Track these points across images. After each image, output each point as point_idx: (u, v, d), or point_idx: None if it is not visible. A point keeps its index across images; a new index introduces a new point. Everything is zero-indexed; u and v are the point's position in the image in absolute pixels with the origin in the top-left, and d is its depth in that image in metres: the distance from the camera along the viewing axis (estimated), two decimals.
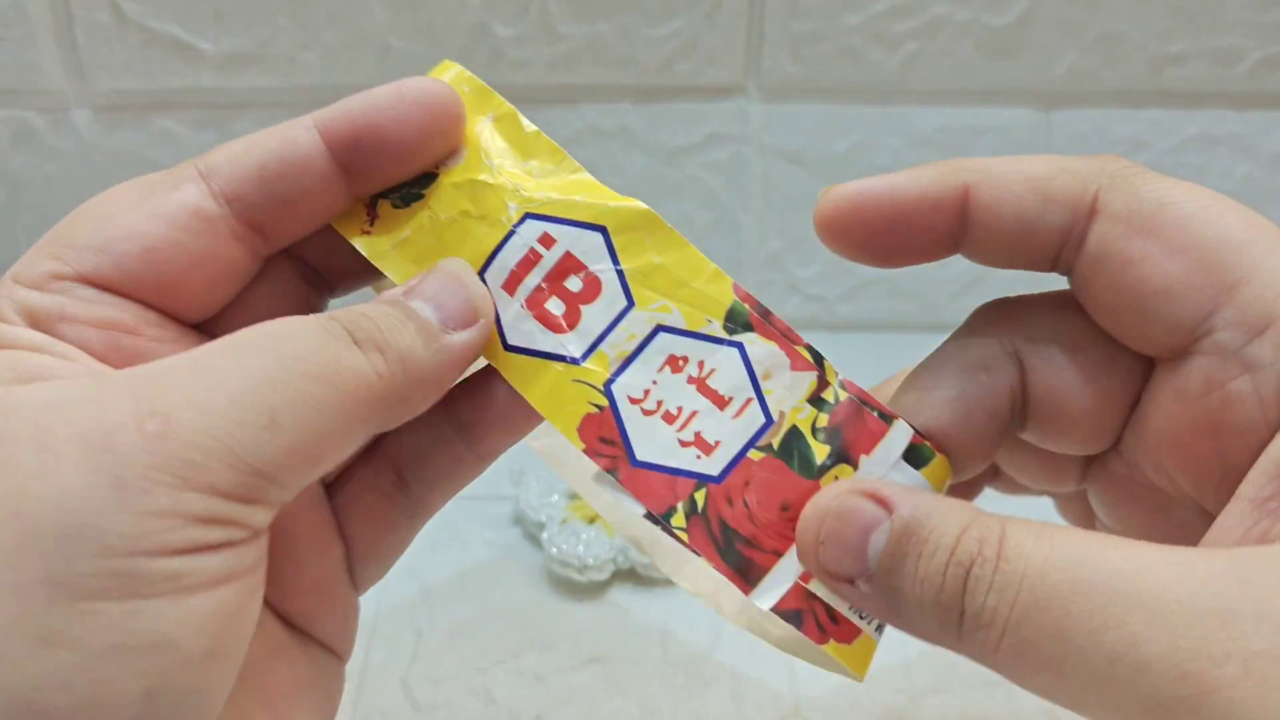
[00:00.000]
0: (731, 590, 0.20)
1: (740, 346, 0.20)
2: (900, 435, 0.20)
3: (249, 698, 0.20)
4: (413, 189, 0.22)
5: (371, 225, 0.22)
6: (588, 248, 0.21)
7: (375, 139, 0.20)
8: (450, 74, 0.22)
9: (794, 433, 0.20)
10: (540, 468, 0.40)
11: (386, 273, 0.21)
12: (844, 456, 0.20)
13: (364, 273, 0.23)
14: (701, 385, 0.20)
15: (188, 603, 0.16)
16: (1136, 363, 0.20)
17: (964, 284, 0.49)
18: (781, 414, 0.20)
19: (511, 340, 0.21)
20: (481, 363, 0.22)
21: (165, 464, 0.15)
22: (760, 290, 0.49)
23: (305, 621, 0.22)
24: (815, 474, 0.20)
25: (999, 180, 0.20)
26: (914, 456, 0.20)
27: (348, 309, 0.19)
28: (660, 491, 0.20)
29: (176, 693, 0.16)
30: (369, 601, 0.36)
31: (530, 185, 0.21)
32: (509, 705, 0.32)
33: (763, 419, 0.20)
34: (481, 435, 0.23)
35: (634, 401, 0.20)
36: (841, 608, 0.20)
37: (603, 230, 0.21)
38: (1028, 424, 0.21)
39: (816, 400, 0.20)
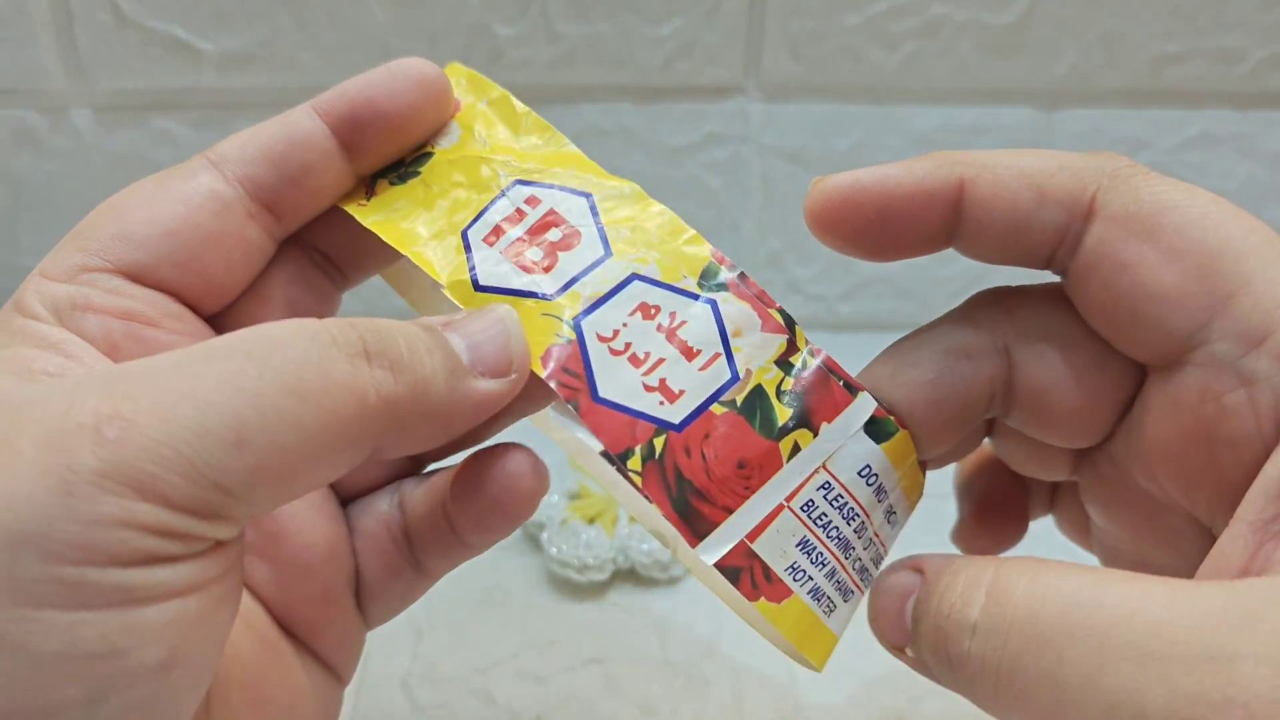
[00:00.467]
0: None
1: (713, 303, 0.20)
2: (863, 407, 0.20)
3: (242, 705, 0.20)
4: (410, 168, 0.23)
5: (368, 200, 0.22)
6: (571, 208, 0.21)
7: (371, 113, 0.21)
8: (445, 68, 0.23)
9: (758, 392, 0.20)
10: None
11: (376, 232, 0.22)
12: (805, 421, 0.20)
13: (377, 260, 0.24)
14: (671, 334, 0.20)
15: (140, 613, 0.15)
16: (1129, 366, 0.20)
17: (964, 283, 0.49)
18: (748, 371, 0.20)
19: (484, 281, 0.21)
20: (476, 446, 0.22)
21: (117, 471, 0.14)
22: None
23: (308, 631, 0.22)
24: (775, 435, 0.20)
25: (996, 175, 0.19)
26: (876, 430, 0.21)
27: (375, 320, 0.18)
28: (619, 432, 0.19)
29: (126, 700, 0.15)
30: None
31: (522, 157, 0.22)
32: (509, 705, 0.32)
33: (729, 374, 0.20)
34: (474, 531, 0.22)
35: (602, 339, 0.20)
36: (779, 570, 0.20)
37: (588, 196, 0.21)
38: (1013, 414, 0.21)
39: (784, 363, 0.20)
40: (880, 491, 0.21)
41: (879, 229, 0.20)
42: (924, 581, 0.19)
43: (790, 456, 0.20)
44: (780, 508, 0.20)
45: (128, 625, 0.15)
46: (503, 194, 0.21)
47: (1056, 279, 0.21)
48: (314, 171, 0.21)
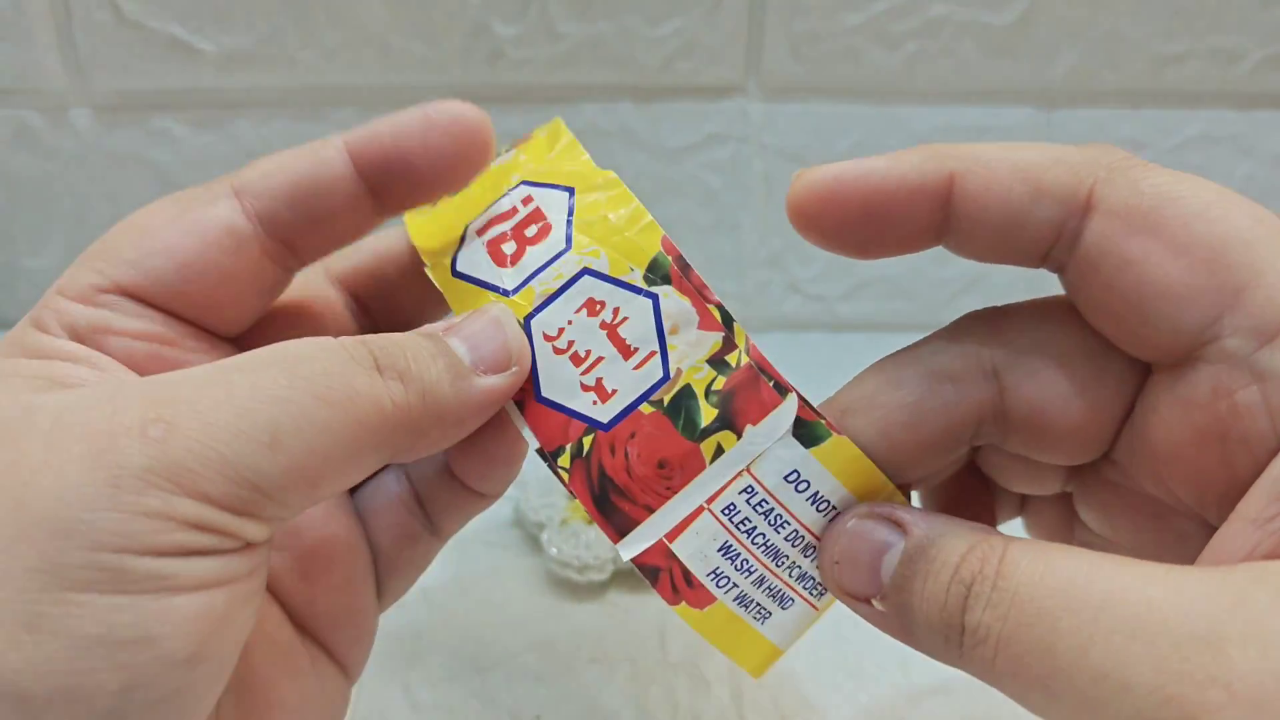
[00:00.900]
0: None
1: (655, 298, 0.20)
2: (789, 409, 0.20)
3: (249, 702, 0.20)
4: None
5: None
6: (553, 202, 0.22)
7: (403, 166, 0.21)
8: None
9: (686, 391, 0.20)
10: (540, 469, 0.40)
11: (407, 225, 0.23)
12: (729, 423, 0.20)
13: (390, 309, 0.25)
14: (612, 332, 0.20)
15: (171, 602, 0.16)
16: (1129, 372, 0.19)
17: (964, 284, 0.49)
18: (679, 371, 0.20)
19: (460, 267, 0.22)
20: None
21: (161, 468, 0.16)
22: (760, 290, 0.49)
23: (324, 624, 0.23)
24: (697, 436, 0.20)
25: (988, 169, 0.18)
26: (805, 434, 0.20)
27: (382, 335, 0.19)
28: (554, 430, 0.20)
29: (155, 690, 0.16)
30: None
31: (534, 164, 0.23)
32: (509, 705, 0.32)
33: (660, 373, 0.20)
34: (467, 476, 0.23)
35: (548, 339, 0.21)
36: (700, 575, 0.20)
37: (571, 190, 0.22)
38: (1010, 438, 0.20)
39: (718, 362, 0.20)
40: (818, 501, 0.20)
41: (863, 225, 0.19)
42: (911, 540, 0.18)
43: (713, 458, 0.20)
44: (700, 509, 0.20)
45: (161, 613, 0.16)
46: (507, 193, 0.22)
47: (1050, 285, 0.20)
48: (336, 215, 0.21)
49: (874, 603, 0.19)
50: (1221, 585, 0.15)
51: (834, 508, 0.20)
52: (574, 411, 0.20)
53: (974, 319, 0.21)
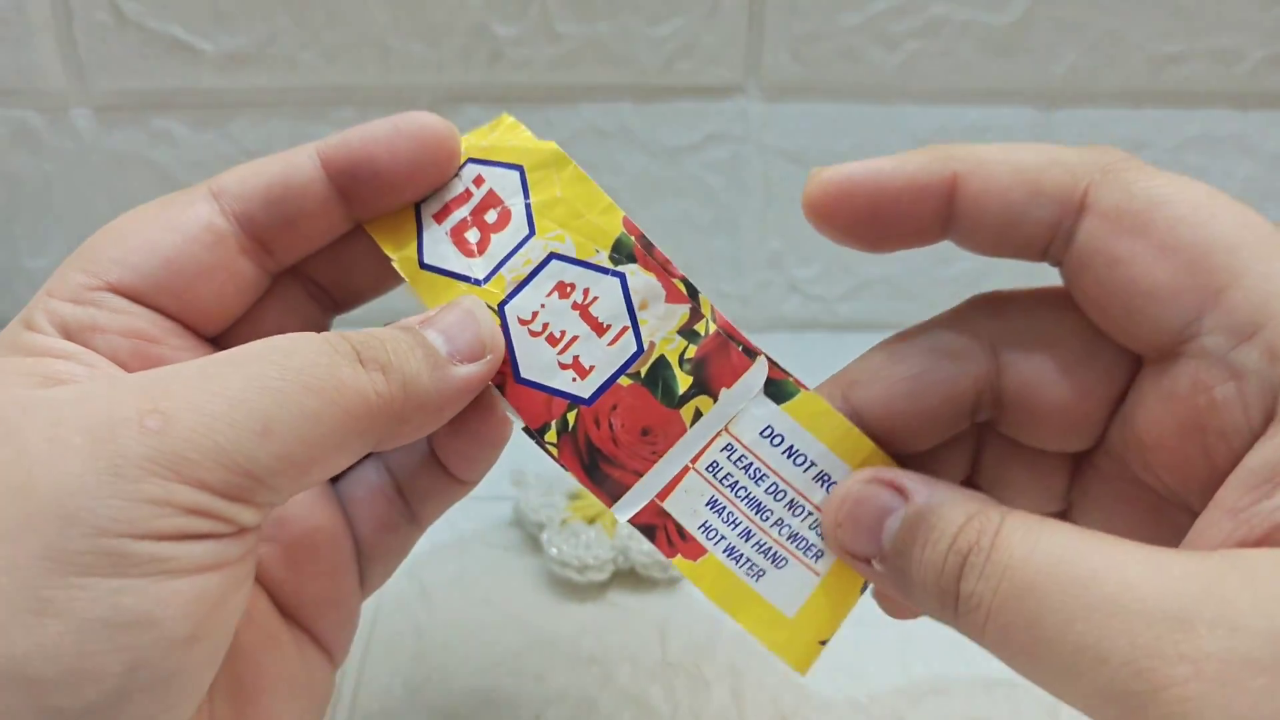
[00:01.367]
0: None
1: (622, 277, 0.22)
2: (759, 371, 0.22)
3: (235, 685, 0.21)
4: None
5: None
6: (506, 184, 0.23)
7: (370, 171, 0.22)
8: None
9: (661, 362, 0.22)
10: (540, 468, 0.40)
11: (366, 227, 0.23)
12: (705, 388, 0.22)
13: (371, 292, 0.25)
14: (584, 312, 0.22)
15: (171, 584, 0.17)
16: (1122, 359, 0.20)
17: (965, 283, 0.49)
18: (652, 344, 0.22)
19: (427, 259, 0.23)
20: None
21: (160, 457, 0.16)
22: (760, 290, 0.49)
23: (310, 611, 0.24)
24: (676, 403, 0.22)
25: (988, 171, 0.19)
26: (775, 392, 0.22)
27: (361, 330, 0.20)
28: (538, 409, 0.22)
29: (157, 670, 0.17)
30: (369, 602, 0.36)
31: (477, 141, 0.24)
32: (509, 705, 0.32)
33: (635, 347, 0.22)
34: (451, 461, 0.24)
35: (523, 323, 0.22)
36: (691, 529, 0.22)
37: (520, 169, 0.23)
38: (1005, 417, 0.21)
39: (688, 332, 0.22)
40: (794, 454, 0.22)
41: (871, 222, 0.20)
42: (913, 506, 0.20)
43: (693, 422, 0.22)
44: (686, 469, 0.22)
45: (161, 595, 0.16)
46: (457, 174, 0.23)
47: (1054, 275, 0.21)
48: (308, 217, 0.22)
49: (874, 564, 0.20)
50: (1197, 569, 0.16)
51: (812, 462, 0.22)
52: (555, 390, 0.22)
53: (976, 303, 0.22)
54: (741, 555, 0.22)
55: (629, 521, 0.22)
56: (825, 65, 0.44)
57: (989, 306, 0.22)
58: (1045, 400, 0.21)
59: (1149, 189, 0.18)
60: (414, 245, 0.23)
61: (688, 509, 0.22)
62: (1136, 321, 0.19)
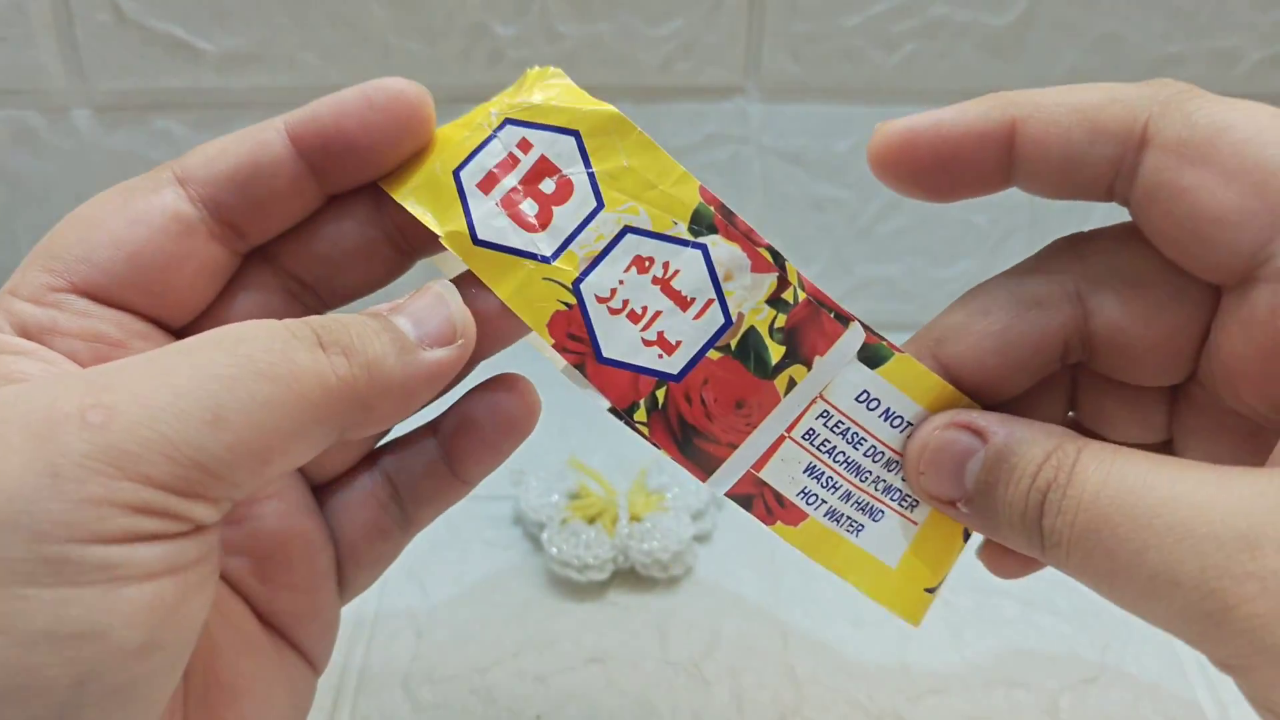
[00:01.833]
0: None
1: (704, 248, 0.21)
2: (854, 337, 0.21)
3: (211, 687, 0.20)
4: None
5: None
6: (562, 151, 0.21)
7: (342, 144, 0.21)
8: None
9: (751, 333, 0.21)
10: (540, 468, 0.40)
11: (382, 186, 0.22)
12: (799, 357, 0.21)
13: (363, 288, 0.24)
14: (666, 286, 0.21)
15: (121, 593, 0.16)
16: (1204, 292, 0.20)
17: (965, 284, 0.49)
18: (740, 315, 0.21)
19: (482, 235, 0.21)
20: (465, 385, 0.23)
21: (101, 453, 0.15)
22: None
23: (286, 621, 0.23)
24: (770, 374, 0.21)
25: (1046, 113, 0.20)
26: (869, 357, 0.21)
27: (326, 315, 0.19)
28: (624, 388, 0.21)
29: (109, 682, 0.16)
30: (369, 601, 0.36)
31: (513, 98, 0.22)
32: (509, 705, 0.32)
33: (722, 320, 0.21)
34: (463, 461, 0.24)
35: (601, 300, 0.21)
36: (790, 496, 0.22)
37: (576, 134, 0.21)
38: (1097, 358, 0.21)
39: (776, 301, 0.21)
40: (891, 416, 0.22)
41: (935, 171, 0.21)
42: (992, 447, 0.20)
43: (787, 391, 0.21)
44: (782, 439, 0.21)
45: (110, 604, 0.15)
46: (494, 135, 0.22)
47: (1125, 218, 0.21)
48: (279, 197, 0.21)
49: (959, 506, 0.20)
50: (1266, 487, 0.16)
51: (908, 422, 0.22)
52: (641, 367, 0.21)
53: (1057, 247, 0.22)
54: (842, 515, 0.22)
55: (726, 494, 0.21)
56: (825, 65, 0.44)
57: (1071, 250, 0.22)
58: (1135, 340, 0.21)
59: (1211, 116, 0.18)
60: (461, 219, 0.21)
61: (785, 477, 0.22)
62: (1209, 250, 0.19)
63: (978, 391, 0.22)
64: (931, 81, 0.45)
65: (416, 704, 0.32)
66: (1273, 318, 0.18)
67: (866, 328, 0.21)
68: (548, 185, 0.21)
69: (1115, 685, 0.33)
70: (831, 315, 0.21)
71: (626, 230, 0.21)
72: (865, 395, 0.21)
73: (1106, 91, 0.19)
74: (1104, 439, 0.20)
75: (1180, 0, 0.43)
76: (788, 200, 0.47)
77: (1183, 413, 0.22)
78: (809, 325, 0.21)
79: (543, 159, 0.21)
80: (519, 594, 0.36)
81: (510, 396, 0.23)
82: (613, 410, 0.21)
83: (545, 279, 0.21)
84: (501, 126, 0.22)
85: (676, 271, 0.21)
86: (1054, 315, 0.21)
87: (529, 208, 0.21)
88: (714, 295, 0.21)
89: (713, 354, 0.21)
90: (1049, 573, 0.20)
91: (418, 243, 0.23)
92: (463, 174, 0.21)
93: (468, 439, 0.24)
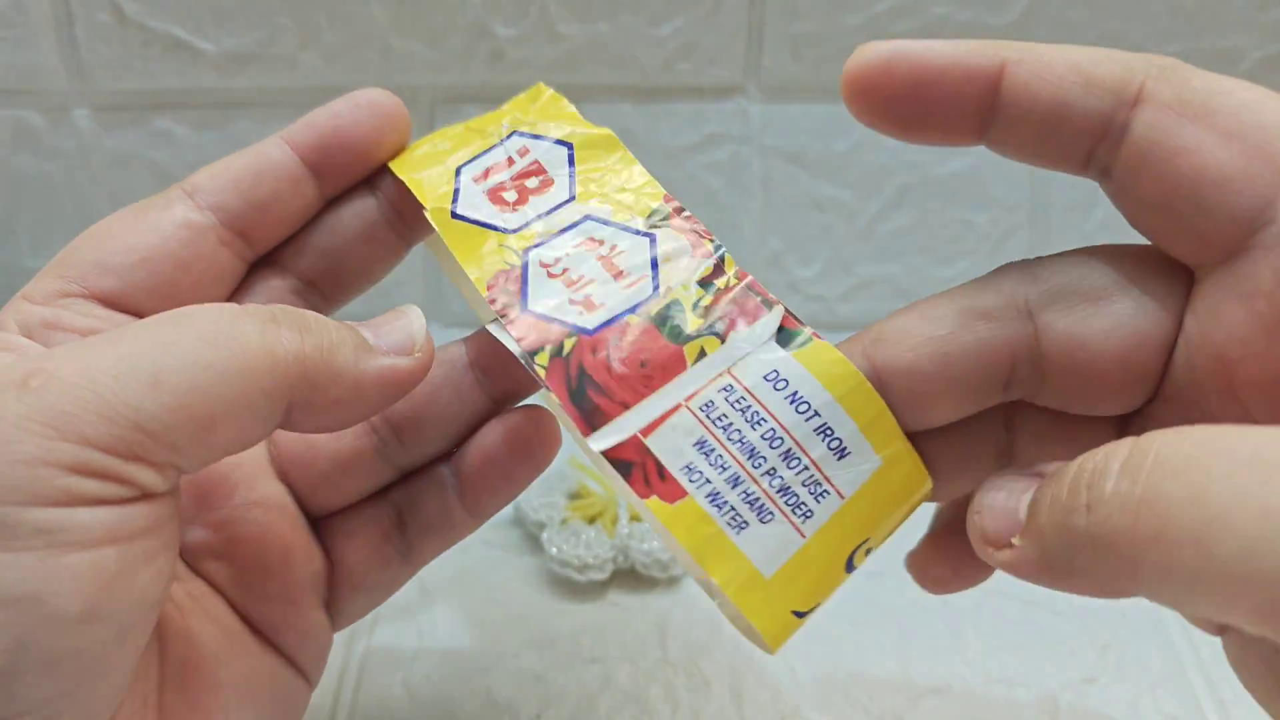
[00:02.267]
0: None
1: (652, 237, 0.22)
2: (773, 318, 0.21)
3: (196, 687, 0.20)
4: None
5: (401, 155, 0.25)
6: (553, 158, 0.24)
7: (338, 141, 0.24)
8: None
9: (674, 304, 0.21)
10: None
11: (391, 168, 0.24)
12: (714, 330, 0.21)
13: (357, 282, 0.25)
14: (607, 262, 0.22)
15: (60, 559, 0.15)
16: (1168, 300, 0.19)
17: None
18: (668, 288, 0.22)
19: (459, 210, 0.23)
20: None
21: (37, 414, 0.15)
22: None
23: (268, 629, 0.23)
24: (682, 340, 0.21)
25: (1041, 58, 0.19)
26: (786, 338, 0.21)
27: (289, 308, 0.20)
28: (536, 335, 0.21)
29: (47, 651, 0.15)
30: None
31: (522, 114, 0.25)
32: (509, 705, 0.32)
33: (650, 290, 0.22)
34: (476, 491, 0.24)
35: (543, 265, 0.22)
36: (673, 469, 0.20)
37: (569, 146, 0.24)
38: (1047, 384, 0.20)
39: (706, 283, 0.22)
40: (797, 401, 0.20)
41: (909, 100, 0.19)
42: (1048, 470, 0.18)
43: (695, 360, 0.21)
44: (678, 406, 0.20)
45: (47, 570, 0.15)
46: (501, 143, 0.24)
47: (1124, 228, 0.20)
48: (282, 198, 0.23)
49: (1014, 541, 0.17)
50: None
51: (815, 412, 0.20)
52: (559, 320, 0.21)
53: (1008, 268, 0.21)
54: (725, 503, 0.20)
55: (604, 453, 0.20)
56: (825, 65, 0.44)
57: (1022, 270, 0.20)
58: (1093, 356, 0.19)
59: (1208, 82, 0.18)
60: (449, 198, 0.23)
61: (672, 447, 0.20)
62: (1205, 213, 0.18)
63: (906, 404, 0.20)
64: None
65: (416, 703, 0.32)
66: (1275, 287, 0.17)
67: (790, 314, 0.21)
68: (532, 181, 0.23)
69: (1115, 685, 0.33)
70: (758, 299, 0.22)
71: (588, 217, 0.23)
72: (774, 375, 0.21)
73: (1104, 51, 0.19)
74: None
75: (1180, 0, 0.43)
76: (788, 200, 0.47)
77: None
78: (733, 304, 0.21)
79: (535, 163, 0.24)
80: (519, 594, 0.36)
81: (529, 426, 0.24)
82: (521, 357, 0.21)
83: (502, 245, 0.23)
84: (509, 136, 0.24)
85: (621, 252, 0.22)
86: (1002, 329, 0.20)
87: (510, 195, 0.23)
88: (649, 273, 0.22)
89: (631, 318, 0.21)
90: None
91: (412, 220, 0.25)
92: (463, 168, 0.24)
93: (484, 468, 0.24)
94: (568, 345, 0.21)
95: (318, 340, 0.19)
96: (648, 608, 0.36)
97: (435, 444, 0.24)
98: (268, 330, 0.18)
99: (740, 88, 0.45)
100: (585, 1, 0.42)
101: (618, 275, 0.22)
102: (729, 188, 0.46)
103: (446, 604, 0.36)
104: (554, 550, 0.36)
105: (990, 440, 0.22)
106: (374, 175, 0.25)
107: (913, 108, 0.19)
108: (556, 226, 0.23)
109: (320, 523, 0.25)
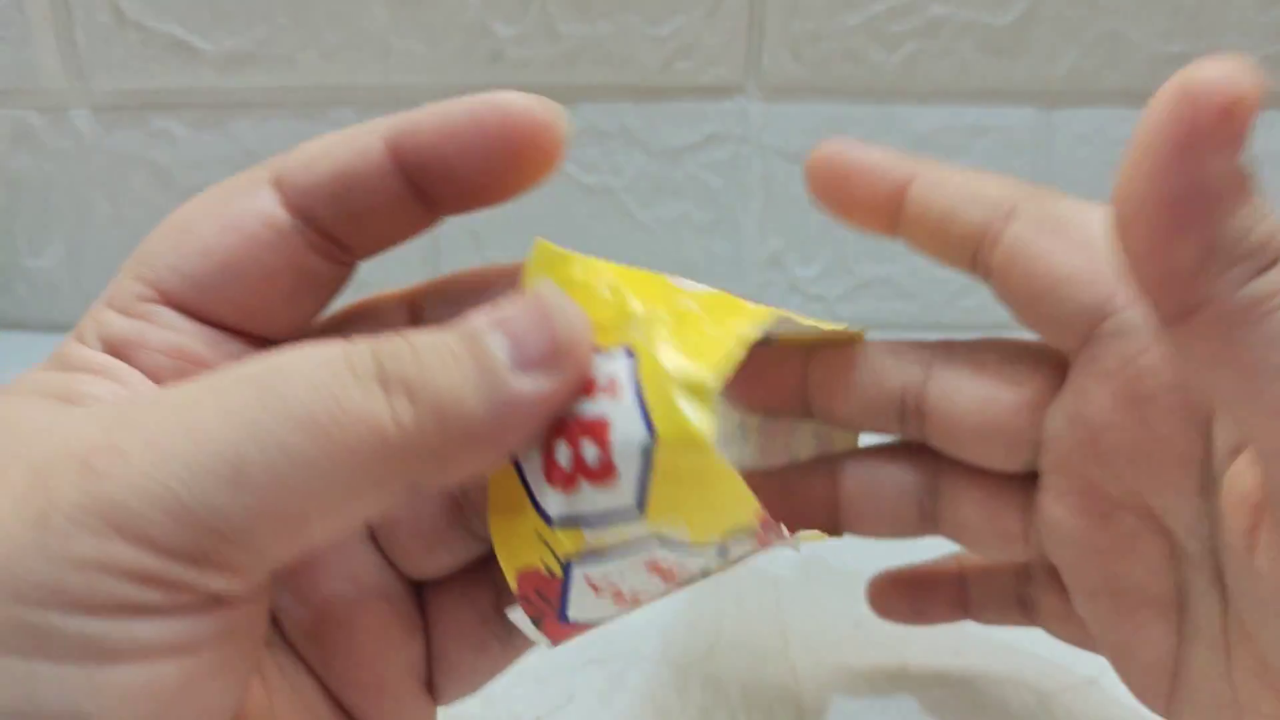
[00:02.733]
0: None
1: (725, 550, 0.18)
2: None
3: None
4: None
5: None
6: (624, 439, 0.16)
7: (442, 170, 0.18)
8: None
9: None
10: None
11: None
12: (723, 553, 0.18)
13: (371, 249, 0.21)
14: (665, 575, 0.18)
15: (108, 673, 0.13)
16: (1035, 380, 0.22)
17: (965, 284, 0.49)
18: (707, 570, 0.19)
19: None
20: None
21: (96, 505, 0.13)
22: (760, 290, 0.49)
23: (352, 698, 0.20)
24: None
25: (942, 175, 0.23)
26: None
27: (399, 335, 0.16)
28: (565, 634, 0.20)
29: None
30: None
31: (643, 324, 0.17)
32: (509, 705, 0.32)
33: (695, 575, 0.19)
34: None
35: (590, 584, 0.18)
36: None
37: (651, 431, 0.16)
38: (928, 425, 0.23)
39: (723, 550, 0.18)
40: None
41: (842, 190, 0.24)
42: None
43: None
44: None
45: (93, 685, 0.13)
46: (610, 353, 0.17)
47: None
48: (379, 215, 0.19)
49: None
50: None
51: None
52: (597, 620, 0.20)
53: (937, 341, 0.25)
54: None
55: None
56: (825, 65, 0.44)
57: (930, 344, 0.25)
58: (960, 406, 0.23)
59: (1069, 205, 0.21)
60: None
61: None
62: (1060, 305, 0.21)
63: (826, 401, 0.24)
64: (932, 81, 0.45)
65: None
66: (1122, 368, 0.20)
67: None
68: (590, 453, 0.17)
69: (1116, 685, 0.33)
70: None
71: (656, 542, 0.17)
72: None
73: (995, 176, 0.22)
74: (953, 503, 0.23)
75: (1180, 0, 0.43)
76: (788, 200, 0.47)
77: (1039, 521, 0.23)
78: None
79: (604, 422, 0.17)
80: None
81: None
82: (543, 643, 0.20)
83: (538, 534, 0.18)
84: (620, 350, 0.17)
85: (683, 569, 0.18)
86: (903, 366, 0.24)
87: (562, 457, 0.17)
88: (702, 577, 0.19)
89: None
90: None
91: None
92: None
93: None
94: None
95: (433, 399, 0.15)
96: (648, 608, 0.36)
97: None
98: (373, 400, 0.15)
99: (740, 87, 0.45)
100: (585, 1, 0.42)
101: (670, 579, 0.18)
102: (729, 188, 0.46)
103: None
104: None
105: (912, 491, 0.25)
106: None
107: (841, 197, 0.24)
108: (612, 542, 0.17)
109: (424, 590, 0.22)
